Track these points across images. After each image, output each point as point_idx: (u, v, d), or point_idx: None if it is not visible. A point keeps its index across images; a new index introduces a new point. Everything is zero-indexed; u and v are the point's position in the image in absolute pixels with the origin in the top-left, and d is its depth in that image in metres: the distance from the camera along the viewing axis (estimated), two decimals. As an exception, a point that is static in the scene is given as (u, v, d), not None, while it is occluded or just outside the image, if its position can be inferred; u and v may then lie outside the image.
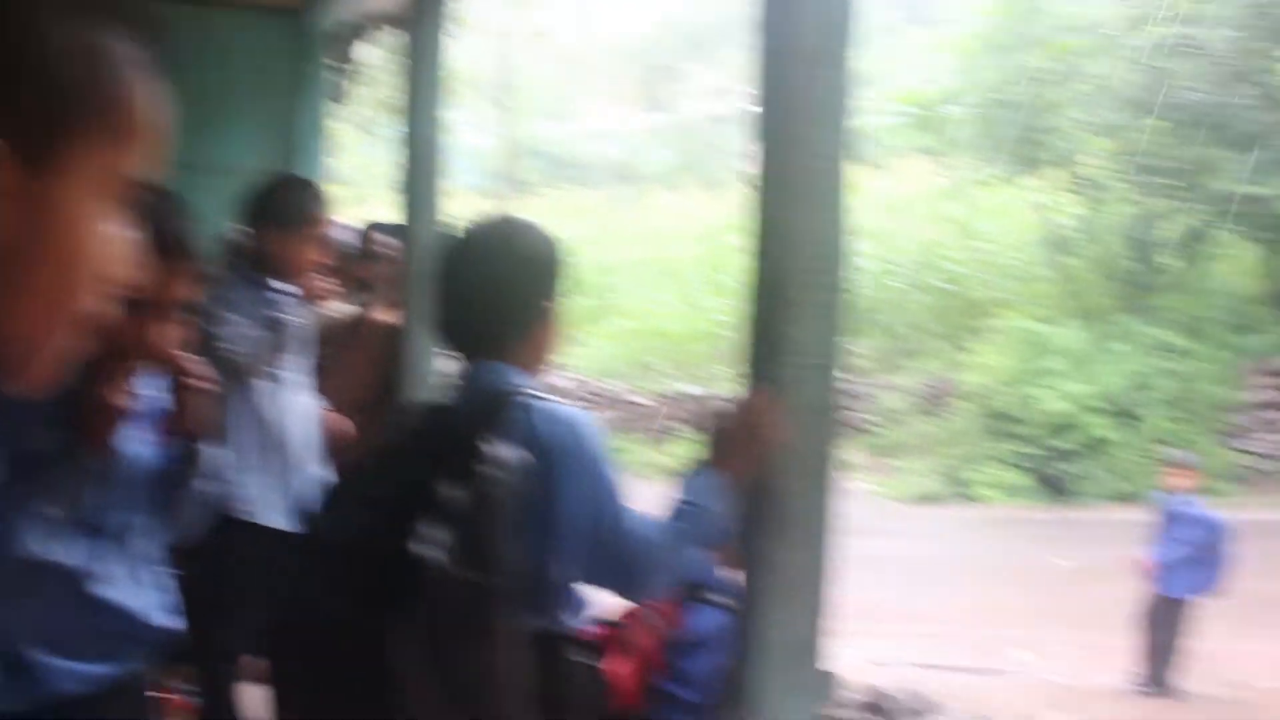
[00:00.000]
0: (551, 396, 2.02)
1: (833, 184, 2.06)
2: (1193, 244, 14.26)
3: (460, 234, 2.13)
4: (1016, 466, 12.59)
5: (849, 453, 13.93)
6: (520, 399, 1.96)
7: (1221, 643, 7.15)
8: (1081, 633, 7.53)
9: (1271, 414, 12.63)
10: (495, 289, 2.04)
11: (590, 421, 2.02)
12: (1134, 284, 14.10)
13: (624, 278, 17.74)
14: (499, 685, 1.83)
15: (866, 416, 14.32)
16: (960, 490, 12.66)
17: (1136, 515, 8.26)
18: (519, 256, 2.06)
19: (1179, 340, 12.96)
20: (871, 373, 15.12)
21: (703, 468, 2.05)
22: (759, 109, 2.06)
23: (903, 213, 18.12)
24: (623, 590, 2.07)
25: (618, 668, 2.43)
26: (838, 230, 2.08)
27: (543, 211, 23.23)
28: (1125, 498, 11.61)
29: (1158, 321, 13.27)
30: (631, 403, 15.01)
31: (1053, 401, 12.35)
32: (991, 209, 17.49)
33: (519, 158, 28.72)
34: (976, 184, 15.31)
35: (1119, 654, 6.70)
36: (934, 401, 14.24)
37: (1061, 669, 6.80)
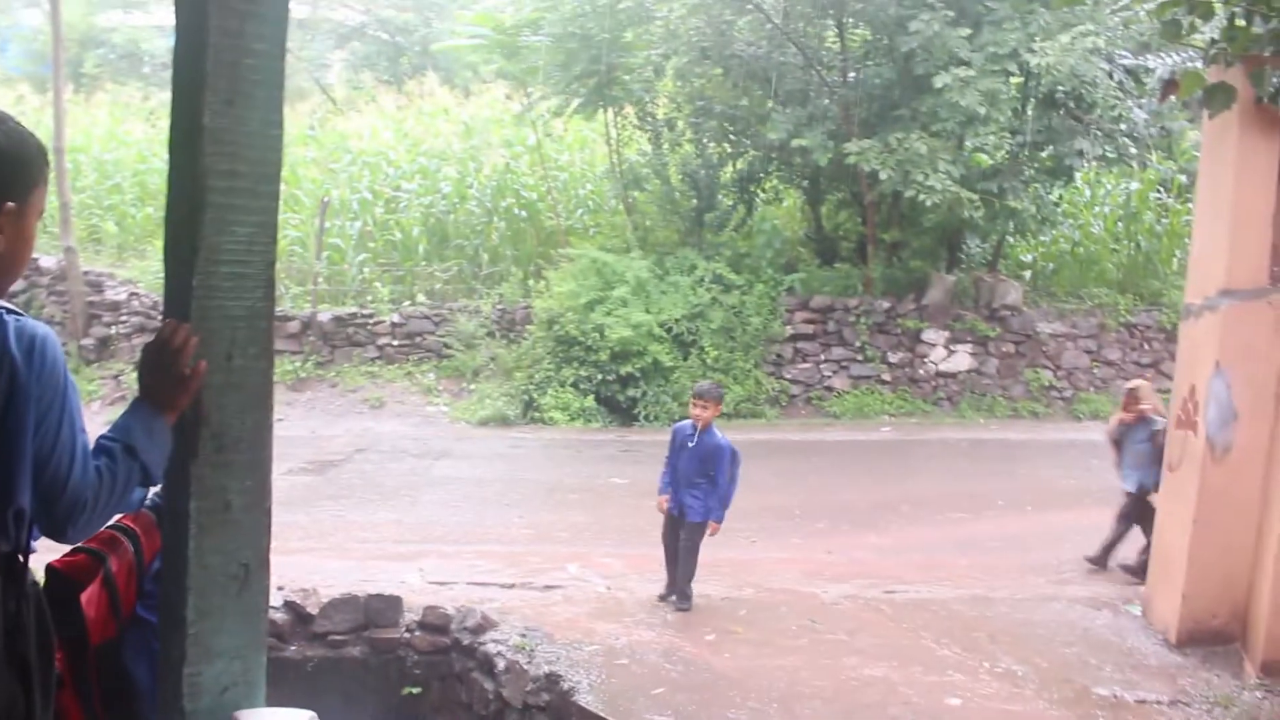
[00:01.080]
0: (14, 309, 1.84)
1: (268, 81, 1.93)
2: (746, 186, 15.42)
3: None
4: (584, 390, 13.15)
5: (425, 376, 13.93)
6: None
7: (746, 551, 7.96)
8: (631, 547, 8.08)
9: (803, 345, 14.04)
10: None
11: (57, 341, 1.87)
12: (694, 220, 15.00)
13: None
14: None
15: (442, 339, 14.37)
16: (531, 413, 13.05)
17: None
18: None
19: (731, 275, 13.98)
20: (448, 296, 15.18)
21: (136, 401, 1.94)
22: None
23: (481, 137, 18.20)
24: (49, 524, 1.91)
25: (92, 597, 2.31)
26: (271, 131, 1.96)
27: (106, 109, 21.13)
28: (681, 420, 12.51)
29: (714, 257, 14.21)
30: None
31: (618, 329, 12.93)
32: (566, 139, 17.98)
33: (80, 47, 25.80)
34: (552, 113, 15.62)
35: (659, 566, 7.27)
36: (508, 326, 14.53)
37: (611, 581, 7.24)
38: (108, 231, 17.11)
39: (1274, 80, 5.41)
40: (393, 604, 6.65)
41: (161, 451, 1.92)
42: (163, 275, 1.97)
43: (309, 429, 11.47)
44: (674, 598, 6.60)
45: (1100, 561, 7.56)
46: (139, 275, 15.14)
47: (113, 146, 19.02)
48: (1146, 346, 14.54)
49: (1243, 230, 5.69)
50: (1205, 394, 5.80)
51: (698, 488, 6.45)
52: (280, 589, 6.77)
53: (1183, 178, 15.54)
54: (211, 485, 1.92)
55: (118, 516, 2.33)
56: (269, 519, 2.03)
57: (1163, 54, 11.34)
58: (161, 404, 1.92)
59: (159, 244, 15.56)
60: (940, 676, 5.59)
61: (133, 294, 14.45)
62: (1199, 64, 5.86)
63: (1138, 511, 7.41)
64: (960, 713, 5.16)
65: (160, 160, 17.63)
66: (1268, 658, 5.49)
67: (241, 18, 1.86)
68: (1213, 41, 5.44)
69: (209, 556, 1.93)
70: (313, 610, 6.58)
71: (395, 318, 14.50)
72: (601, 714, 5.21)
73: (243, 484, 1.96)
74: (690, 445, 6.51)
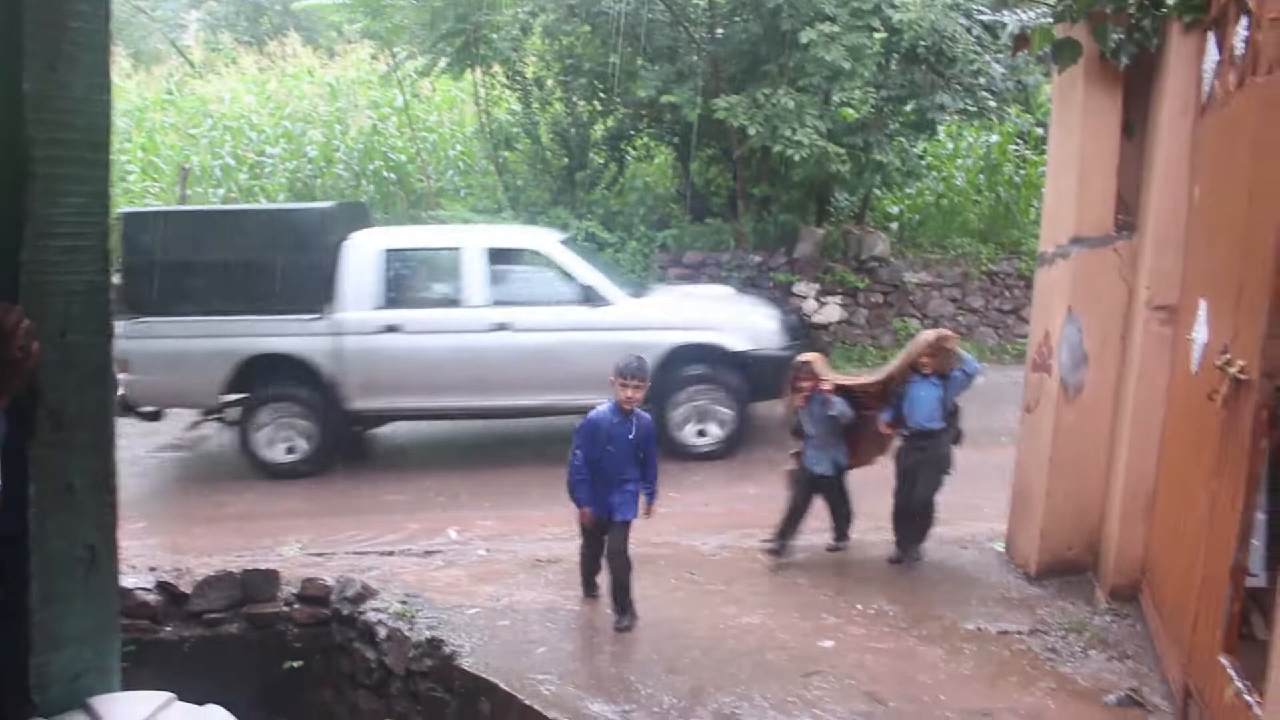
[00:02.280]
0: None
1: (93, 44, 1.86)
2: (617, 144, 15.39)
3: None
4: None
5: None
6: None
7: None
8: (509, 509, 8.12)
9: (679, 302, 14.12)
10: None
11: None
12: (566, 179, 14.92)
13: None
14: None
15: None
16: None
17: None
18: None
19: (604, 233, 13.96)
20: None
21: None
22: None
23: (347, 99, 17.81)
24: None
25: None
26: (99, 96, 1.89)
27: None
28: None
29: (586, 215, 14.16)
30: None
31: (493, 291, 12.79)
32: (434, 100, 17.69)
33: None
34: (419, 74, 15.35)
35: (539, 527, 7.31)
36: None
37: (491, 544, 7.26)
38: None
39: (1115, 36, 5.62)
40: (270, 578, 6.55)
41: None
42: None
43: (176, 403, 11.14)
44: (625, 619, 5.75)
45: (780, 549, 6.74)
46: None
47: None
48: (1008, 294, 15.03)
49: (1090, 180, 5.91)
50: (1059, 338, 6.04)
51: (629, 480, 5.71)
52: (152, 569, 6.61)
53: (1039, 130, 16.01)
54: (51, 466, 1.85)
55: None
56: (115, 498, 1.96)
57: (1017, 10, 11.64)
58: None
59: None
60: (814, 620, 5.76)
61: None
62: (1049, 20, 6.04)
63: (840, 490, 6.90)
64: (833, 654, 5.33)
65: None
66: (1115, 584, 5.79)
67: None
68: (1058, -2, 5.62)
69: (52, 540, 1.86)
70: (187, 589, 6.45)
71: (263, 286, 14.13)
72: (485, 676, 5.23)
73: (85, 464, 1.89)
74: (625, 434, 5.67)
